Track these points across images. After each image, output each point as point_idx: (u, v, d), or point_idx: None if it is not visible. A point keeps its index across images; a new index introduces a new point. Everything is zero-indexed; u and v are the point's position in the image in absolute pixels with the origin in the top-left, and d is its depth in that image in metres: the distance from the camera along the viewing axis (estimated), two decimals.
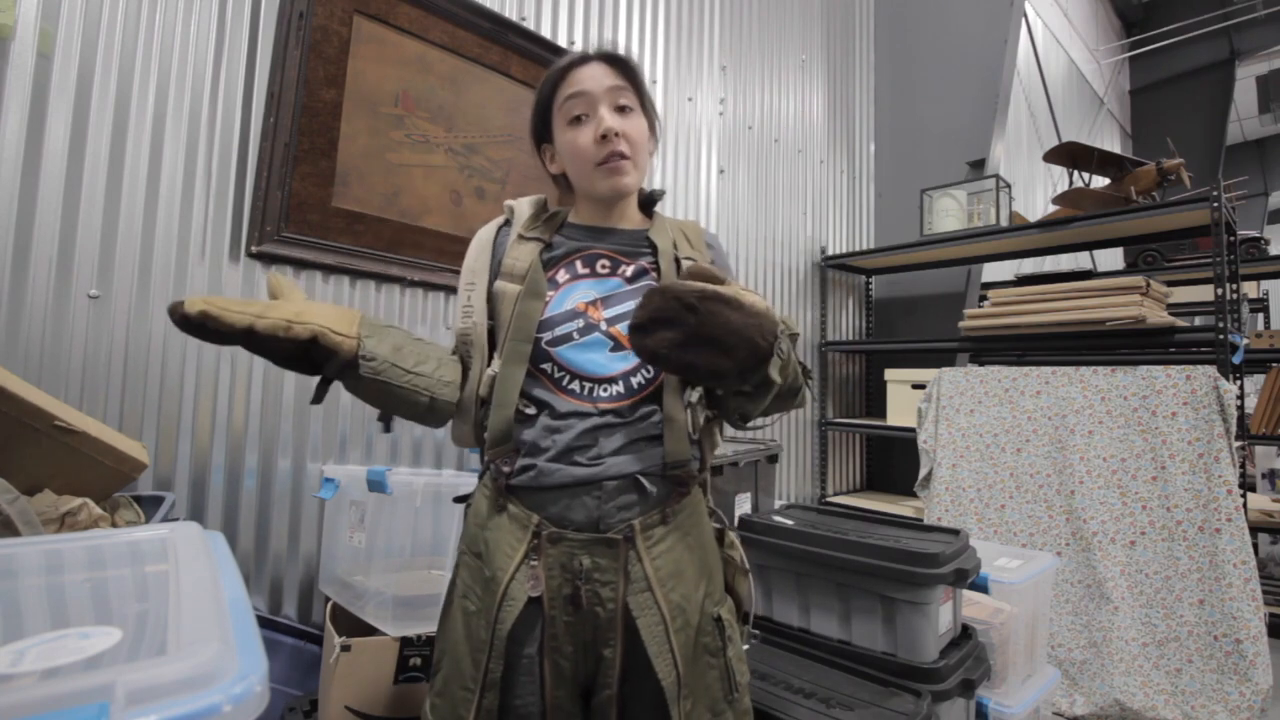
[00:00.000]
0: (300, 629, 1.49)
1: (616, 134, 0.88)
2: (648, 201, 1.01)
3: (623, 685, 0.81)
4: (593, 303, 0.90)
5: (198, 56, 1.41)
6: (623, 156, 0.89)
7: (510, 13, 1.94)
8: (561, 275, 0.92)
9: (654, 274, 0.93)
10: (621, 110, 0.91)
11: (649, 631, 0.80)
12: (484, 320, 0.92)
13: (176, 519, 1.09)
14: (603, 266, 0.93)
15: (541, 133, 0.97)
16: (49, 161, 1.23)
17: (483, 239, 0.97)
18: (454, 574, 0.90)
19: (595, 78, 0.90)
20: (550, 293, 0.90)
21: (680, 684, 0.80)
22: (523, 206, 0.99)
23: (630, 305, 0.89)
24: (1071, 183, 2.97)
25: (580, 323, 0.88)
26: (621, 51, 0.94)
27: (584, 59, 0.92)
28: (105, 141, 1.30)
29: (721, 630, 0.86)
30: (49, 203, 1.23)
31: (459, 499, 0.98)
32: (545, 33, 2.04)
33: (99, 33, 1.29)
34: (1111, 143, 6.13)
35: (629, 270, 0.93)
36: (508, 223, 0.99)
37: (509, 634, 0.80)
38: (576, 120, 0.90)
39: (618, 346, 0.88)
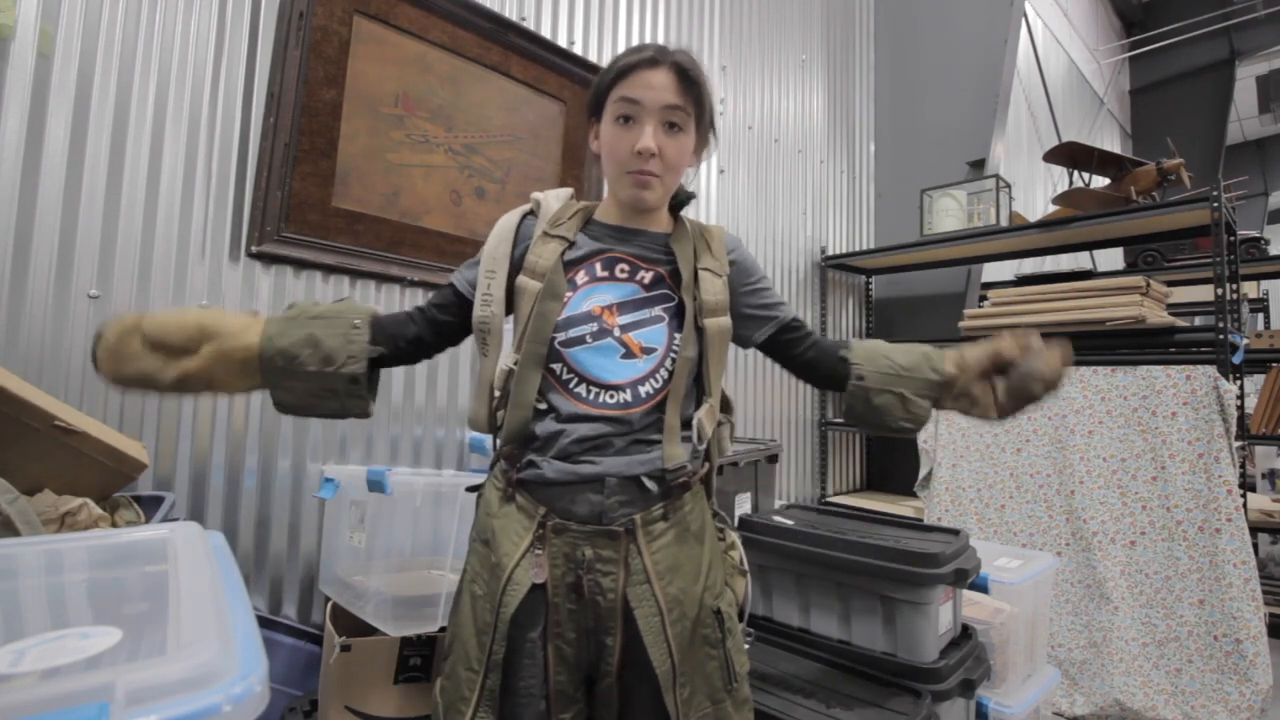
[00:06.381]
0: (300, 629, 1.49)
1: (652, 155, 0.88)
2: (676, 204, 1.01)
3: (623, 672, 0.84)
4: (609, 307, 0.90)
5: (198, 56, 1.41)
6: (651, 175, 0.89)
7: (510, 13, 1.94)
8: (581, 277, 0.92)
9: (671, 282, 0.93)
10: (670, 128, 0.89)
11: (646, 622, 0.82)
12: (502, 311, 0.92)
13: (176, 519, 1.09)
14: (621, 271, 0.93)
15: (594, 110, 0.96)
16: (49, 161, 1.23)
17: (505, 227, 0.96)
18: (465, 562, 0.93)
19: (656, 89, 0.88)
20: (568, 293, 0.90)
21: (675, 673, 0.82)
22: (549, 201, 0.98)
23: (645, 313, 0.91)
24: (1071, 183, 2.97)
25: (595, 326, 0.89)
26: (689, 56, 0.90)
27: (655, 62, 0.89)
28: (105, 141, 1.29)
29: (721, 622, 0.88)
30: (49, 203, 1.23)
31: (471, 488, 1.00)
32: (545, 33, 2.04)
33: (99, 33, 1.29)
34: (1111, 143, 6.12)
35: (647, 277, 0.93)
36: (531, 213, 0.98)
37: (512, 617, 0.83)
38: (623, 120, 0.89)
39: (629, 354, 0.88)
